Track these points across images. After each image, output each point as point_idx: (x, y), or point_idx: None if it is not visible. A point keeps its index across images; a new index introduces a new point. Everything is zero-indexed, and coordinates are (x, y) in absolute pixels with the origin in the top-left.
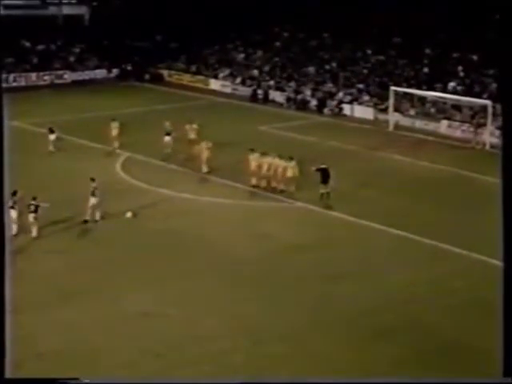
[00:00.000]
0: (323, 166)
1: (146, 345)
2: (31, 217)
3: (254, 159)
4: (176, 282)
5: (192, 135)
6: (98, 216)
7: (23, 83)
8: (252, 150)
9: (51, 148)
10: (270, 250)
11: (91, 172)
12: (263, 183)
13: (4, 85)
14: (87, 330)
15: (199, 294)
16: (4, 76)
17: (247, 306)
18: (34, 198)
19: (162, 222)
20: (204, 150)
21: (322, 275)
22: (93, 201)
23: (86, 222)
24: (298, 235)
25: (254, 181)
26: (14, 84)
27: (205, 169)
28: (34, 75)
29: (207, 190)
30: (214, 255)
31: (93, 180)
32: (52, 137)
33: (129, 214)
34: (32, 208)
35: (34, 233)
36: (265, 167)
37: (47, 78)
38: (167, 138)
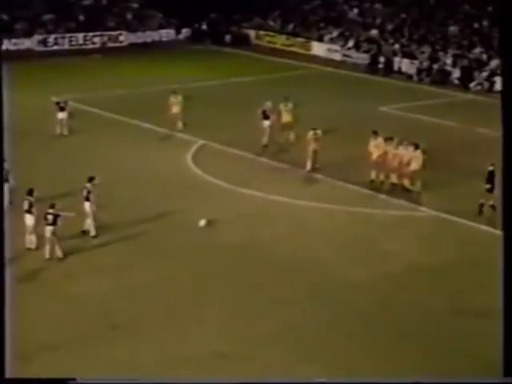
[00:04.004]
0: (491, 168)
1: None
2: (48, 231)
3: (377, 146)
4: (261, 313)
5: (287, 118)
6: (92, 229)
7: (66, 46)
8: (375, 133)
9: (60, 130)
10: (388, 273)
11: (156, 165)
12: (388, 178)
13: (42, 48)
14: (144, 376)
15: (292, 329)
16: (42, 37)
17: (355, 348)
18: (52, 206)
19: (245, 233)
20: (311, 141)
21: (454, 309)
22: (87, 207)
23: (84, 232)
24: (427, 254)
25: (373, 174)
26: (55, 47)
27: (309, 165)
28: (80, 36)
29: (307, 192)
30: (313, 278)
31: (91, 180)
32: (61, 115)
33: (202, 223)
34: (49, 219)
35: (47, 253)
36: (389, 157)
37: (97, 40)
38: (266, 123)
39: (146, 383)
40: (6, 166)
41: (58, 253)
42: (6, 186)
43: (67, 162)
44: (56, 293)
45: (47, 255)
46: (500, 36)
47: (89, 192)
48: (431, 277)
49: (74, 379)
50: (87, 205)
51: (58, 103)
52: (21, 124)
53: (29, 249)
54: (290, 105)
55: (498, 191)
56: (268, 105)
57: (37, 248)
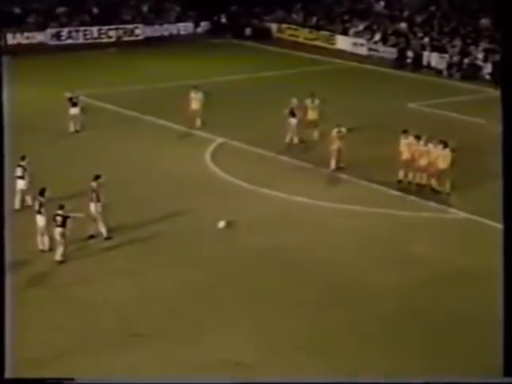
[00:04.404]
0: None
1: None
2: (57, 232)
3: (407, 145)
4: (282, 319)
5: (312, 115)
6: (104, 231)
7: (80, 40)
8: (406, 132)
9: (74, 126)
10: (417, 279)
11: (173, 163)
12: (416, 178)
13: (55, 42)
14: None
15: (315, 337)
16: (55, 31)
17: (384, 358)
18: (61, 207)
19: (265, 236)
20: (335, 139)
21: (485, 316)
22: (92, 208)
23: (92, 237)
24: (457, 258)
25: (401, 174)
26: (69, 41)
27: (333, 164)
28: (94, 30)
29: (331, 193)
30: (337, 283)
31: (96, 178)
32: (74, 111)
33: (221, 224)
34: (58, 221)
35: (58, 255)
36: (417, 155)
37: (112, 33)
38: (293, 121)
39: (146, 383)
40: (24, 163)
41: (58, 256)
42: (22, 184)
43: (79, 159)
44: (69, 297)
45: (58, 257)
46: (500, 33)
47: (93, 191)
48: (462, 282)
49: (71, 379)
50: (92, 206)
51: (70, 99)
52: (32, 120)
53: (42, 250)
54: (317, 101)
55: None
56: (294, 101)
57: (50, 250)
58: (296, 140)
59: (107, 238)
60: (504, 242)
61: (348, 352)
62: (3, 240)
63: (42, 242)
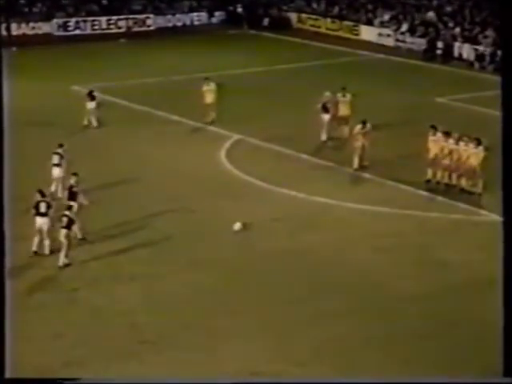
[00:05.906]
0: None
1: None
2: (62, 234)
3: (435, 141)
4: (301, 328)
5: (344, 110)
6: (77, 232)
7: (88, 31)
8: (434, 128)
9: (89, 121)
10: (446, 285)
11: (185, 161)
12: (444, 178)
13: (62, 33)
14: None
15: (335, 347)
16: (62, 21)
17: (411, 367)
18: (69, 208)
19: (284, 239)
20: (359, 135)
21: None
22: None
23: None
24: (490, 265)
25: (430, 173)
26: (77, 32)
27: (356, 163)
28: (103, 20)
29: (354, 193)
30: (359, 290)
31: (74, 175)
32: (91, 105)
33: (237, 226)
34: (64, 221)
35: (61, 260)
36: (445, 152)
37: (122, 23)
38: (326, 117)
39: (146, 383)
40: (61, 150)
41: (62, 259)
42: (58, 171)
43: (88, 156)
44: (74, 303)
45: (61, 262)
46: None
47: (71, 187)
48: (492, 288)
49: (74, 379)
50: (72, 204)
51: (89, 92)
52: (40, 115)
53: (41, 254)
54: (348, 95)
55: None
56: (327, 95)
57: (51, 252)
58: (325, 136)
59: (82, 239)
60: (504, 240)
61: (372, 366)
62: (3, 242)
63: (43, 246)
